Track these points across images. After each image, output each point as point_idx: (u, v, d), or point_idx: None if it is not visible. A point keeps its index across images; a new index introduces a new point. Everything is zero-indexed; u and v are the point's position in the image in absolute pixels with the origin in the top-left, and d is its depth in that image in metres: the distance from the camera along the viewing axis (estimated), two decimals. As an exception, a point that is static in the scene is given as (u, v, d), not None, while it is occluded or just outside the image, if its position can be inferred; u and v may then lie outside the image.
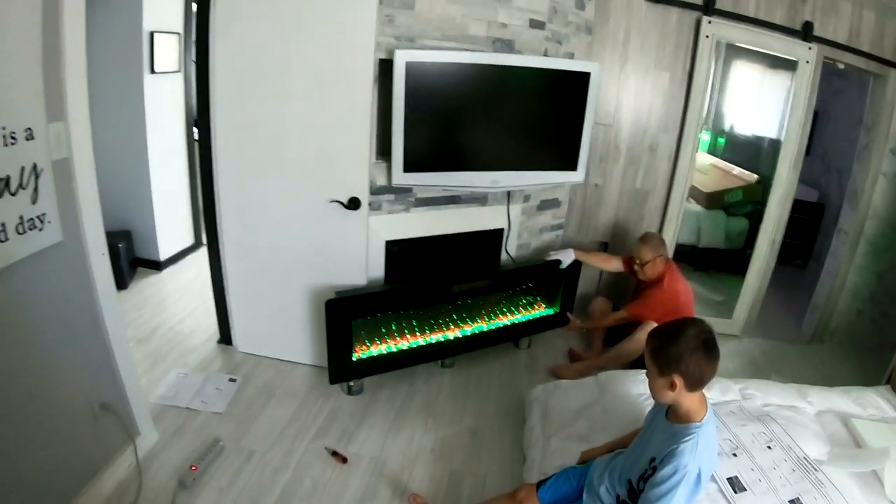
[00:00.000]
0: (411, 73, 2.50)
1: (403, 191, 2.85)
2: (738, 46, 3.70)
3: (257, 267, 2.93)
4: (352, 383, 2.87)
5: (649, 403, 2.14)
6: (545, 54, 2.96)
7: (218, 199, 2.84)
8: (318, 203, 2.68)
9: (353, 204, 2.65)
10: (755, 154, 5.02)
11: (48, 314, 1.85)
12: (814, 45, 3.34)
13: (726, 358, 3.58)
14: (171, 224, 4.11)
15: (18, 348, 1.75)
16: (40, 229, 1.77)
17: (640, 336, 3.02)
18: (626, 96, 3.52)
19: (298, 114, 2.57)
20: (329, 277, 2.84)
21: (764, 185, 4.58)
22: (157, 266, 4.04)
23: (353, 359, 2.79)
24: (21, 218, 1.70)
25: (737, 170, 5.02)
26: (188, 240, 4.34)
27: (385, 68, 2.54)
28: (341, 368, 2.76)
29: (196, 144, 3.75)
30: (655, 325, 3.02)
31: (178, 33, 3.78)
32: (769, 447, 2.10)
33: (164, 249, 4.07)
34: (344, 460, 2.40)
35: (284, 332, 3.03)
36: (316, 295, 2.84)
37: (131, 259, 3.91)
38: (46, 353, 1.86)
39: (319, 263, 2.84)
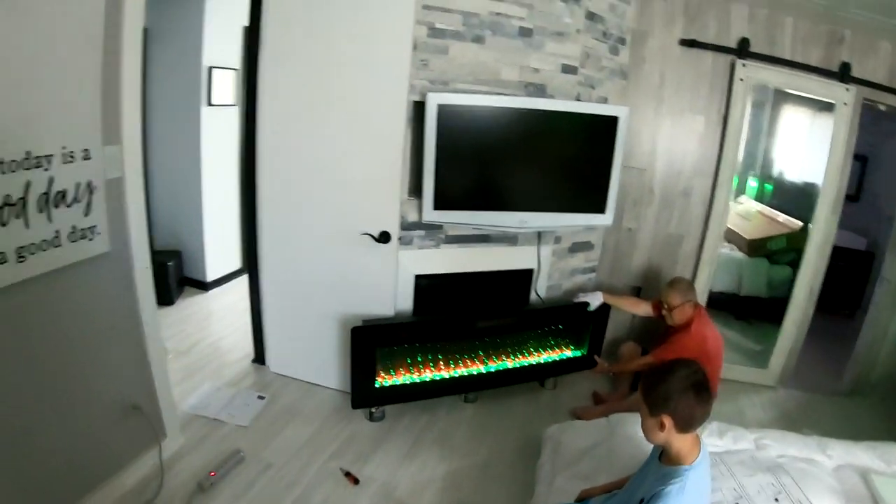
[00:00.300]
0: (442, 115, 2.64)
1: (434, 227, 2.96)
2: (786, 91, 3.65)
3: (292, 292, 3.08)
4: (373, 410, 2.94)
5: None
6: (578, 98, 3.05)
7: (260, 226, 3.03)
8: (350, 235, 2.82)
9: (384, 237, 2.77)
10: (803, 201, 4.83)
11: (93, 316, 2.05)
12: (852, 87, 3.29)
13: (757, 409, 3.48)
14: (220, 248, 4.36)
15: (64, 343, 1.95)
16: (90, 239, 1.98)
17: (664, 381, 2.99)
18: (661, 140, 3.53)
19: (335, 150, 2.74)
20: (358, 307, 2.95)
21: (809, 232, 4.45)
22: (203, 286, 4.28)
23: (376, 385, 2.87)
24: (74, 227, 1.91)
25: (782, 216, 4.87)
26: (235, 264, 4.58)
27: (419, 110, 2.69)
28: (364, 394, 2.85)
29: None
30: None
31: (236, 69, 4.09)
32: (776, 500, 2.03)
33: (212, 271, 4.31)
34: (356, 481, 2.46)
35: (314, 357, 3.15)
36: (345, 323, 2.95)
37: (180, 278, 4.17)
38: (88, 352, 2.05)
39: (350, 293, 2.96)
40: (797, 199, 4.92)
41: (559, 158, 3.01)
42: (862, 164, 5.18)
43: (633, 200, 3.65)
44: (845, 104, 3.32)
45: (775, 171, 5.35)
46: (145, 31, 3.82)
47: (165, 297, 3.93)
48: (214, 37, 3.87)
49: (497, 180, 2.93)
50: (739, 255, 4.78)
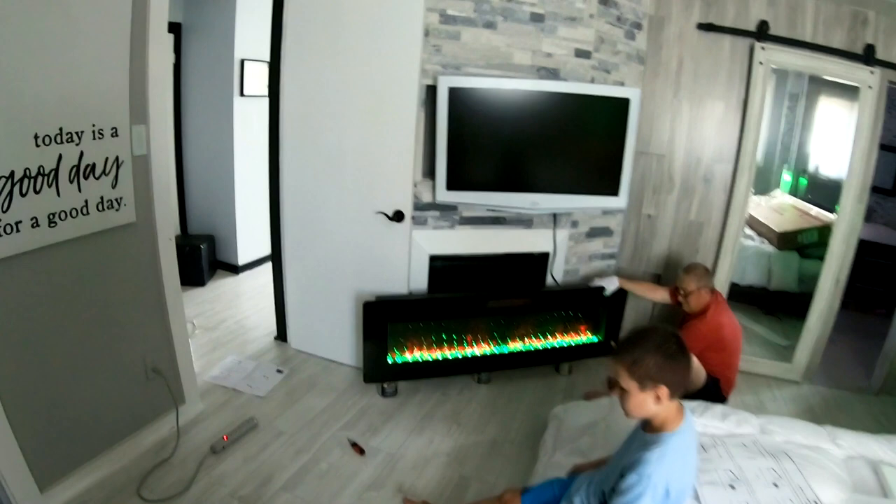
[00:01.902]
0: (454, 98, 2.71)
1: (448, 208, 3.03)
2: (821, 82, 3.50)
3: (312, 272, 3.21)
4: (386, 385, 3.03)
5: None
6: (592, 82, 3.06)
7: (283, 209, 3.17)
8: (366, 214, 2.93)
9: (398, 216, 2.87)
10: (838, 195, 4.72)
11: (118, 282, 2.22)
12: (876, 69, 3.17)
13: (779, 402, 3.41)
14: (252, 233, 4.53)
15: (91, 305, 2.12)
16: (117, 210, 2.14)
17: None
18: (680, 126, 3.49)
19: (352, 132, 2.86)
20: (374, 286, 3.04)
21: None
22: (234, 270, 4.48)
23: (388, 361, 2.96)
24: (101, 198, 2.07)
25: (815, 210, 4.71)
26: (266, 249, 4.70)
27: (432, 93, 2.77)
28: (375, 368, 2.94)
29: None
30: (695, 358, 2.98)
31: (267, 61, 4.23)
32: (775, 484, 1.96)
33: (243, 255, 4.50)
34: (362, 452, 2.55)
35: (332, 334, 3.27)
36: (361, 300, 3.03)
37: (212, 261, 4.36)
38: (113, 315, 2.21)
39: (366, 272, 3.06)
40: (832, 193, 4.77)
41: (571, 141, 3.02)
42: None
43: (652, 187, 3.63)
44: (870, 87, 3.20)
45: (810, 166, 5.20)
46: (180, 26, 4.04)
47: (197, 278, 4.13)
48: (247, 30, 4.04)
49: (509, 162, 2.97)
50: (770, 248, 4.66)
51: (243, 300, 4.06)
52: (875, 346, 4.02)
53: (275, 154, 3.12)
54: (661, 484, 1.46)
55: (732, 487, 1.94)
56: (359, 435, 2.68)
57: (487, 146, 2.90)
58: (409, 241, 2.95)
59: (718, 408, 2.47)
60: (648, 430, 1.60)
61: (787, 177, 5.17)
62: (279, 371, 3.14)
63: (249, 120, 4.24)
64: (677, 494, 1.50)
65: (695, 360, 2.97)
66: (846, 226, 3.48)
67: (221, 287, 4.23)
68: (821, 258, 4.51)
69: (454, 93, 2.70)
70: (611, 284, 3.24)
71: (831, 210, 4.51)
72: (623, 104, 2.95)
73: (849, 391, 3.66)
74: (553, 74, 2.96)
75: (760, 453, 2.14)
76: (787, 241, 4.65)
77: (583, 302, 3.40)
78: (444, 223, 3.08)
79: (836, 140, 4.63)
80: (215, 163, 4.26)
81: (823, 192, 4.87)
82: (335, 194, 2.99)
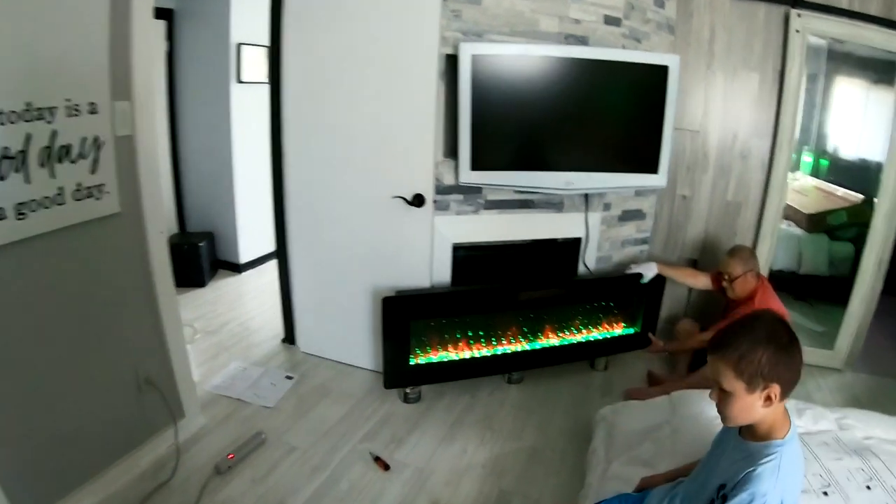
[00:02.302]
0: (478, 67, 2.44)
1: (472, 191, 2.75)
2: (840, 60, 3.33)
3: (322, 267, 2.93)
4: (408, 390, 2.75)
5: (723, 426, 1.86)
6: (623, 50, 2.79)
7: (288, 200, 2.89)
8: (382, 200, 2.64)
9: (418, 200, 2.58)
10: (862, 175, 4.52)
11: (103, 282, 1.93)
12: None
13: (825, 392, 3.19)
14: (254, 229, 4.25)
15: (71, 310, 1.83)
16: (97, 198, 1.85)
17: (728, 360, 2.70)
18: (714, 99, 3.25)
19: (364, 109, 2.57)
20: (392, 279, 2.77)
21: (872, 205, 4.10)
22: (236, 268, 4.20)
23: (411, 363, 2.69)
24: (79, 185, 1.78)
25: (841, 190, 4.54)
26: (269, 246, 4.42)
27: (452, 64, 2.49)
28: (397, 372, 2.67)
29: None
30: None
31: (266, 46, 3.96)
32: (868, 487, 1.75)
33: (245, 253, 4.23)
34: (386, 467, 2.27)
35: (346, 335, 2.99)
36: (378, 296, 2.75)
37: (212, 260, 4.09)
38: (98, 320, 1.92)
39: (383, 264, 2.78)
40: (856, 174, 4.64)
41: (606, 113, 2.76)
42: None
43: (686, 166, 3.36)
44: None
45: (830, 147, 5.01)
46: (172, 12, 3.77)
47: (197, 278, 3.86)
48: (243, 12, 3.77)
49: (539, 138, 2.69)
50: (798, 231, 4.47)
51: (247, 301, 3.77)
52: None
53: (277, 142, 2.84)
54: (775, 501, 1.22)
55: (826, 494, 1.74)
56: (382, 447, 2.40)
57: (515, 121, 2.62)
58: (430, 229, 2.67)
59: (791, 402, 2.19)
60: (750, 438, 1.33)
61: (807, 158, 4.96)
62: (288, 377, 2.85)
63: (248, 108, 3.95)
64: None
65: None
66: (889, 204, 3.27)
67: (223, 287, 3.95)
68: (850, 240, 4.40)
69: (478, 61, 2.42)
70: (649, 271, 2.98)
71: (857, 190, 4.36)
72: (661, 72, 2.68)
73: (891, 378, 3.44)
74: (581, 42, 2.69)
75: (846, 452, 1.92)
76: (816, 223, 4.49)
77: (618, 291, 3.15)
78: (468, 208, 2.79)
79: (856, 121, 4.50)
80: (213, 155, 3.97)
81: (845, 174, 4.75)
82: (346, 180, 2.70)
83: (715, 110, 3.28)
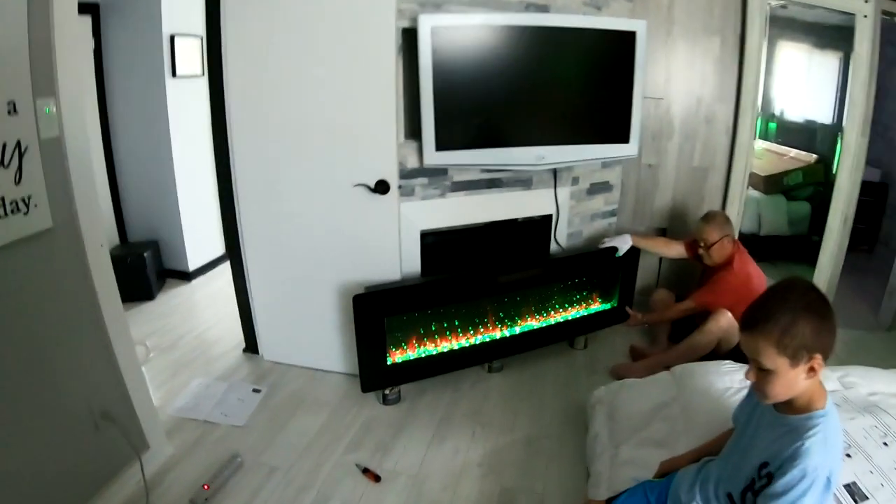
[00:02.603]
0: (438, 40, 2.27)
1: (438, 173, 2.59)
2: (783, 25, 3.44)
3: (281, 267, 2.71)
4: (387, 391, 2.58)
5: (737, 399, 1.78)
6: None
7: (238, 199, 2.64)
8: (342, 189, 2.45)
9: (381, 187, 2.40)
10: (810, 136, 4.69)
11: (41, 306, 1.67)
12: None
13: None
14: (201, 233, 3.96)
15: (6, 343, 1.57)
16: (25, 213, 1.59)
17: (713, 327, 2.68)
18: (676, 66, 3.21)
19: (317, 94, 2.36)
20: (359, 274, 2.58)
21: (825, 164, 4.34)
22: (186, 277, 3.90)
23: (388, 363, 2.53)
24: (2, 200, 1.51)
25: (793, 152, 4.69)
26: (219, 249, 4.17)
27: (410, 38, 2.31)
28: (374, 374, 2.50)
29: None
30: (728, 313, 2.68)
31: (200, 36, 3.66)
32: (885, 444, 1.71)
33: (194, 260, 3.93)
34: (377, 479, 2.10)
35: (313, 338, 2.79)
36: (346, 294, 2.58)
37: (159, 270, 3.78)
38: (40, 350, 1.67)
39: (348, 259, 2.59)
40: (804, 135, 4.81)
41: (574, 83, 2.65)
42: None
43: (651, 134, 3.31)
44: (865, 17, 3.04)
45: (777, 110, 5.14)
46: (97, 7, 3.41)
47: (145, 291, 3.55)
48: (175, 2, 3.45)
49: (507, 112, 2.55)
50: (756, 193, 4.58)
51: (201, 310, 3.50)
52: (870, 282, 4.02)
53: (222, 137, 2.58)
54: (825, 474, 1.16)
55: (849, 456, 1.68)
56: (368, 457, 2.23)
57: (481, 95, 2.47)
58: (397, 217, 2.50)
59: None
60: (788, 411, 1.24)
61: (754, 122, 5.06)
62: (256, 391, 2.64)
63: (186, 104, 3.64)
64: (834, 484, 1.19)
65: (729, 316, 2.68)
66: (851, 161, 3.30)
67: (173, 299, 3.65)
68: (806, 199, 4.50)
69: (438, 34, 2.25)
70: (623, 244, 2.92)
71: (808, 151, 4.48)
72: (628, 38, 2.60)
73: (863, 330, 3.54)
74: (542, 10, 2.55)
75: (857, 411, 1.89)
76: (773, 184, 4.63)
77: (593, 266, 3.06)
78: (434, 191, 2.63)
79: (801, 84, 4.71)
80: (151, 157, 3.64)
81: (794, 135, 4.92)
82: (302, 171, 2.48)
83: (678, 76, 3.24)
